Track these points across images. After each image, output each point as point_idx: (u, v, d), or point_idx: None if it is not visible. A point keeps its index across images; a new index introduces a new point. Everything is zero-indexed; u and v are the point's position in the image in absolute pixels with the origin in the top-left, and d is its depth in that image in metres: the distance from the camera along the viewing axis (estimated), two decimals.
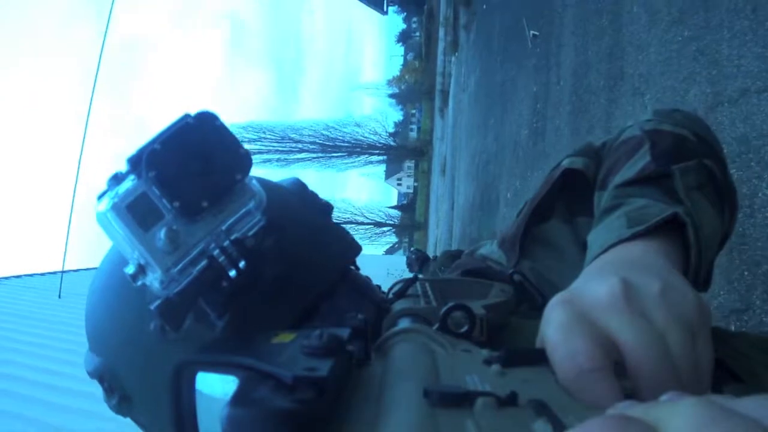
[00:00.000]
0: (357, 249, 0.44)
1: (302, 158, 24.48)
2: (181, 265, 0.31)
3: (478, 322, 0.36)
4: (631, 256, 0.37)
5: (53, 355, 3.68)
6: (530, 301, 0.50)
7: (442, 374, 0.27)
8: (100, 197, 0.32)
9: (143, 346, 0.37)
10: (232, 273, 0.32)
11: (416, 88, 28.27)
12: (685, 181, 0.44)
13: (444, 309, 0.36)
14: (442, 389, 0.23)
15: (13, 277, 6.77)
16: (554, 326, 0.29)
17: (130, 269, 0.31)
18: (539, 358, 0.28)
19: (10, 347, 3.89)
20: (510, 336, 0.42)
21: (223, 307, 0.33)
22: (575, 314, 0.29)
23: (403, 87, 31.21)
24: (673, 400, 0.17)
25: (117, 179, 0.32)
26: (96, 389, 0.41)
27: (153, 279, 0.31)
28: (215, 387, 0.27)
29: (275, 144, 23.83)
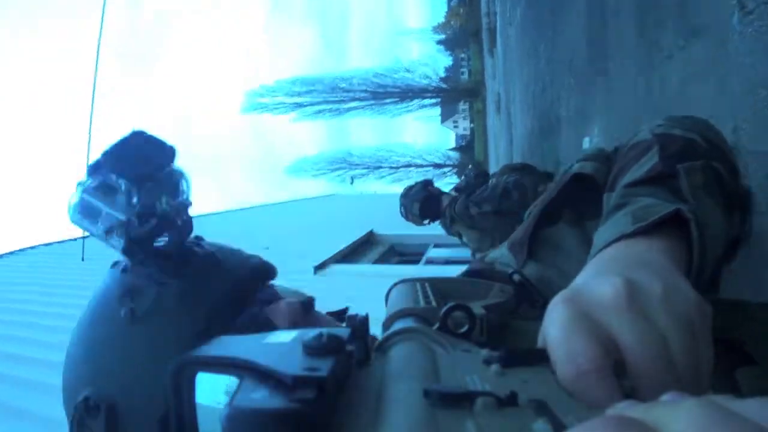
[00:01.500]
0: (269, 273, 0.54)
1: (354, 107, 24.82)
2: (136, 218, 0.44)
3: (478, 322, 0.36)
4: (632, 253, 0.37)
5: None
6: (530, 301, 0.50)
7: (442, 374, 0.27)
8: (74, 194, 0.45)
9: (133, 359, 0.43)
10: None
11: (463, 32, 27.76)
12: (690, 181, 0.44)
13: (444, 309, 0.36)
14: (442, 389, 0.23)
15: (41, 245, 7.00)
16: (556, 325, 0.29)
17: (99, 230, 0.43)
18: (539, 358, 0.28)
19: (38, 311, 3.95)
20: (510, 336, 0.42)
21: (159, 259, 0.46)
22: (577, 313, 0.29)
23: (449, 32, 30.76)
24: (674, 400, 0.17)
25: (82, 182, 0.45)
26: None
27: (118, 237, 0.43)
28: (215, 387, 0.27)
29: (325, 95, 24.10)
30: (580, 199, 0.55)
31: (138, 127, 0.45)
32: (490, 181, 2.26)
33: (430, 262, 5.10)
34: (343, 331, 0.28)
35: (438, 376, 0.27)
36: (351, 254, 5.66)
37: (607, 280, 0.31)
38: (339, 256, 5.32)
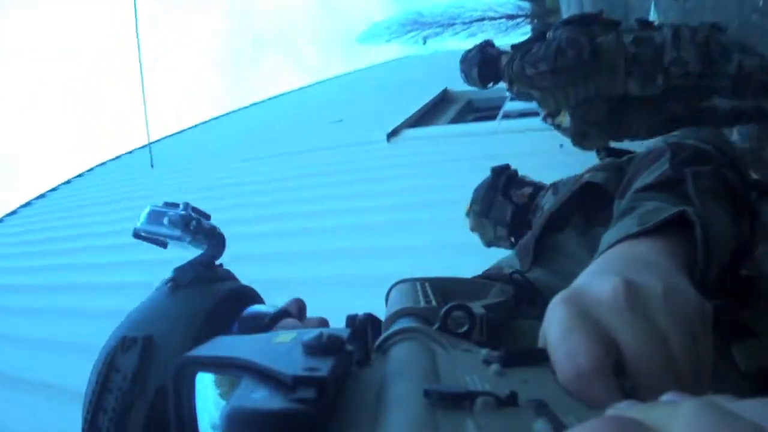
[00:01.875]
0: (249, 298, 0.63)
1: None
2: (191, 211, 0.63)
3: (478, 321, 0.36)
4: (634, 253, 0.37)
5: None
6: (530, 300, 0.50)
7: (442, 374, 0.27)
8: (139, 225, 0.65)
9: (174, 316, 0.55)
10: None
11: None
12: (697, 185, 0.44)
13: (444, 309, 0.36)
14: (442, 389, 0.23)
15: (109, 160, 7.28)
16: (556, 325, 0.29)
17: (163, 225, 0.62)
18: (539, 358, 0.28)
19: (119, 228, 4.01)
20: (510, 336, 0.42)
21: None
22: (577, 312, 0.29)
23: None
24: (673, 401, 0.17)
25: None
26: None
27: (176, 227, 0.62)
28: (215, 387, 0.27)
29: None
30: (590, 208, 0.55)
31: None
32: (547, 36, 2.13)
33: (507, 116, 4.75)
34: (343, 331, 0.28)
35: (438, 376, 0.27)
36: (426, 116, 5.48)
37: (607, 279, 0.31)
38: (412, 120, 5.15)
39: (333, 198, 3.67)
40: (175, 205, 0.63)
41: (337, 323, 0.34)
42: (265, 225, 3.57)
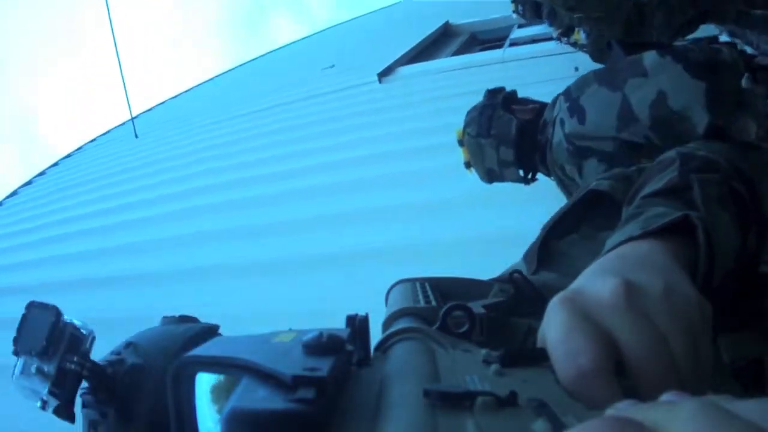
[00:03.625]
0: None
1: None
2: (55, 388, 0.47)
3: (477, 321, 0.36)
4: (635, 254, 0.37)
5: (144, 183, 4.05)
6: (529, 300, 0.50)
7: (442, 374, 0.27)
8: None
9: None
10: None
11: None
12: (704, 192, 0.44)
13: (444, 308, 0.36)
14: (442, 389, 0.23)
15: (99, 136, 7.54)
16: (555, 325, 0.29)
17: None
18: (539, 357, 0.28)
19: (109, 194, 4.17)
20: (509, 335, 0.42)
21: None
22: (577, 313, 0.29)
23: None
24: (673, 401, 0.17)
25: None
26: None
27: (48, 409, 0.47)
28: (215, 387, 0.27)
29: None
30: (596, 215, 0.55)
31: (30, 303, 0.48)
32: None
33: (514, 43, 4.31)
34: (343, 331, 0.28)
35: (438, 376, 0.27)
36: (424, 52, 5.04)
37: (606, 280, 0.31)
38: (409, 56, 4.69)
39: (320, 147, 3.39)
40: (36, 371, 0.48)
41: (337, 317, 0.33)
42: (252, 170, 3.45)
